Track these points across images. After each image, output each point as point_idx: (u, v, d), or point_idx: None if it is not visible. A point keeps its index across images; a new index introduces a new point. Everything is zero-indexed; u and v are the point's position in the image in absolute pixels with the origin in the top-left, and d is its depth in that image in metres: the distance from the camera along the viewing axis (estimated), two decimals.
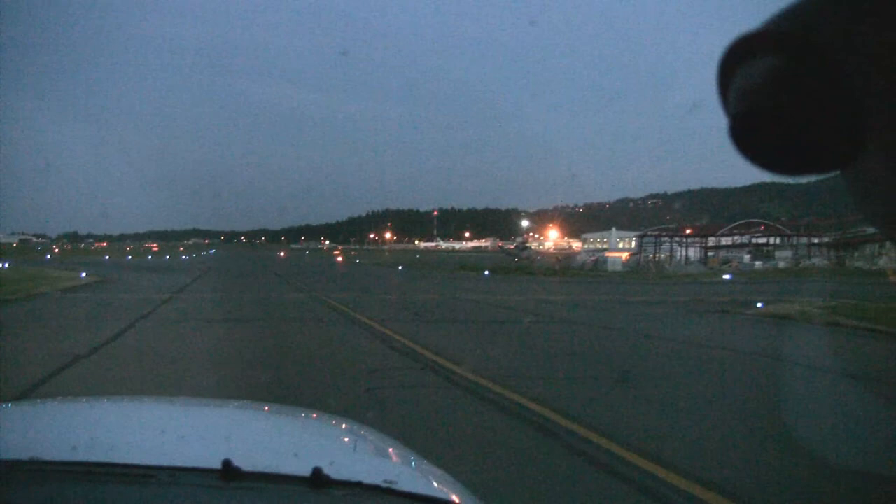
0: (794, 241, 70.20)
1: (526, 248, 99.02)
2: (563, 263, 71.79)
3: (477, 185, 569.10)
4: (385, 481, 1.42)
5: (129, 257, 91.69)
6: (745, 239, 74.05)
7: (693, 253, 70.86)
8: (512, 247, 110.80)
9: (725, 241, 74.32)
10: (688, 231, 75.20)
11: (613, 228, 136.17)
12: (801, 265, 60.24)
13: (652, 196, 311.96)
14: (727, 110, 0.59)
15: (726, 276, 48.84)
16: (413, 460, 1.93)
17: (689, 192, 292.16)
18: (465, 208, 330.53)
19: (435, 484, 1.67)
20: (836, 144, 0.55)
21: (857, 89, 0.52)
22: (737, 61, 0.57)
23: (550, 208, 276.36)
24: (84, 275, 35.70)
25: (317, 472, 1.36)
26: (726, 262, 65.15)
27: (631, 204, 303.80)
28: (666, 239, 72.44)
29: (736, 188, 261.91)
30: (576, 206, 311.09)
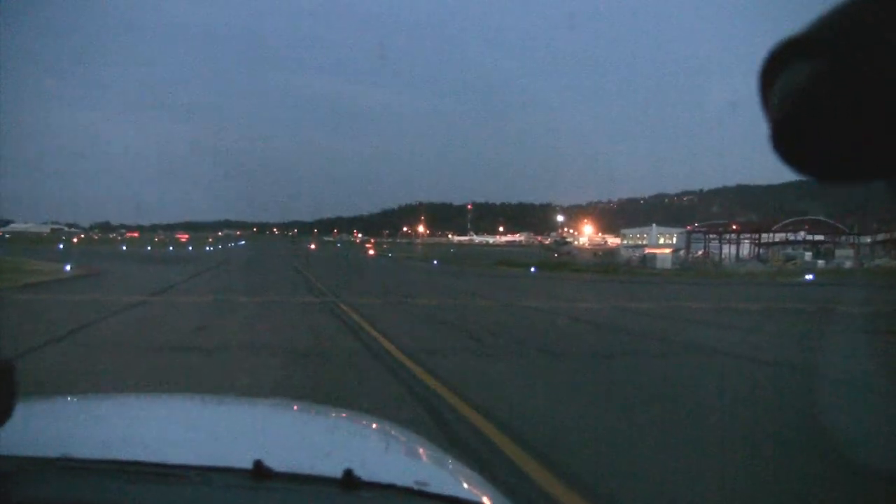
0: (855, 239, 65.51)
1: (566, 242, 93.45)
2: (605, 259, 67.47)
3: (510, 179, 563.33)
4: (417, 483, 1.37)
5: (149, 248, 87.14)
6: (798, 236, 69.22)
7: (742, 250, 67.04)
8: (548, 241, 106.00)
9: (778, 237, 69.66)
10: (734, 227, 70.03)
11: (654, 224, 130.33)
12: (865, 265, 55.94)
13: (687, 192, 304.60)
14: (768, 116, 0.56)
15: (808, 277, 43.01)
16: (445, 461, 1.87)
17: (725, 188, 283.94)
18: (498, 202, 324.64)
19: (467, 486, 1.61)
20: (881, 151, 0.53)
21: None
22: (779, 66, 0.55)
23: (584, 203, 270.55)
24: (69, 267, 30.51)
25: (348, 473, 1.31)
26: (790, 259, 60.11)
27: (666, 200, 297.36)
28: (714, 235, 69.10)
29: (773, 185, 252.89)
30: (610, 201, 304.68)
